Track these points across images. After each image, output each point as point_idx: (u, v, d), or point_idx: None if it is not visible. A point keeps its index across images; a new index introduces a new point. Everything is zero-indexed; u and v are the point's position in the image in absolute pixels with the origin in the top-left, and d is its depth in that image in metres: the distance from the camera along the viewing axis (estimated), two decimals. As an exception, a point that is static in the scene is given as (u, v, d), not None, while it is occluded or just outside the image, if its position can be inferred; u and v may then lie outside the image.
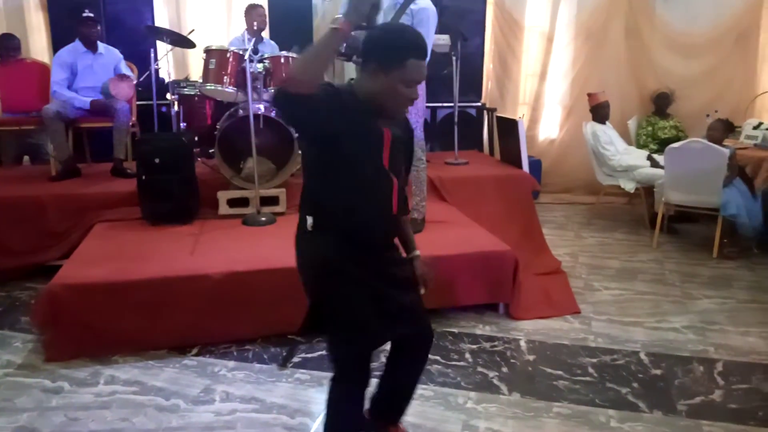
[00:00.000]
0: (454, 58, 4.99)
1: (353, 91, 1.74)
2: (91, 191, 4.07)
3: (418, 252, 2.01)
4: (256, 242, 3.50)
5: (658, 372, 2.81)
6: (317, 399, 2.55)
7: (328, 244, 1.77)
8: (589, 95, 5.34)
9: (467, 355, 2.94)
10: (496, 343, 3.07)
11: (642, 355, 2.97)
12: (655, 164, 4.93)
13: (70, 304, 2.85)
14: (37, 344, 2.98)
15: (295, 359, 2.88)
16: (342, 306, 1.80)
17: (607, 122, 5.29)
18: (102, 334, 2.89)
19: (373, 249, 1.83)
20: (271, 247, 3.35)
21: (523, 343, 3.07)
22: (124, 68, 4.73)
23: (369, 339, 1.83)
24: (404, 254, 2.00)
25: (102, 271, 3.01)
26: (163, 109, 5.26)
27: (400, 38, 1.69)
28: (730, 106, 5.77)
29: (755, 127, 5.17)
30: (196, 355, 2.94)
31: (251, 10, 4.98)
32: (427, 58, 3.36)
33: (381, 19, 3.81)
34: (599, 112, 5.25)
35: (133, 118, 4.76)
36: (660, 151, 5.32)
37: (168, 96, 5.00)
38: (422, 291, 1.98)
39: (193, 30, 4.84)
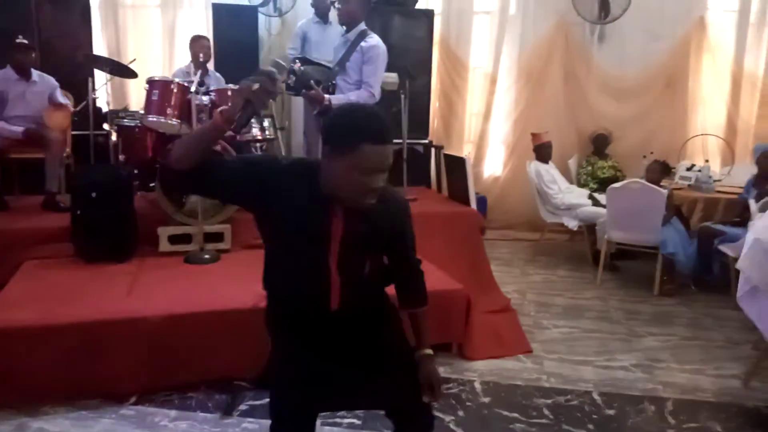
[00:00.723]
0: (402, 96, 5.01)
1: (316, 174, 1.58)
2: (19, 226, 3.81)
3: (428, 351, 1.78)
4: (199, 282, 3.34)
5: (611, 412, 2.82)
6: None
7: (271, 306, 1.76)
8: (533, 135, 5.48)
9: (422, 399, 2.86)
10: (450, 385, 3.01)
11: (595, 395, 2.97)
12: (596, 203, 5.08)
13: (-7, 351, 2.61)
14: (-46, 395, 2.70)
15: (242, 407, 2.73)
16: (273, 369, 1.75)
17: (549, 162, 5.43)
18: (29, 382, 2.66)
19: (314, 332, 1.69)
20: (215, 287, 3.21)
21: (477, 385, 3.03)
22: (61, 97, 4.51)
23: (284, 404, 1.73)
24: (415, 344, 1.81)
25: (29, 314, 2.78)
26: (100, 139, 5.03)
27: (352, 121, 1.50)
28: (662, 148, 6.03)
29: (688, 169, 5.42)
30: (134, 404, 2.74)
31: (195, 42, 4.87)
32: (375, 98, 3.31)
33: (332, 56, 3.80)
34: (542, 152, 5.38)
35: (68, 149, 4.53)
36: (600, 189, 5.51)
37: (105, 126, 4.79)
38: (425, 398, 1.74)
39: (134, 59, 4.70)
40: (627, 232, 4.58)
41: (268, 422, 2.53)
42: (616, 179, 5.54)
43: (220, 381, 2.89)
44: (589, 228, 5.18)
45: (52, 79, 4.52)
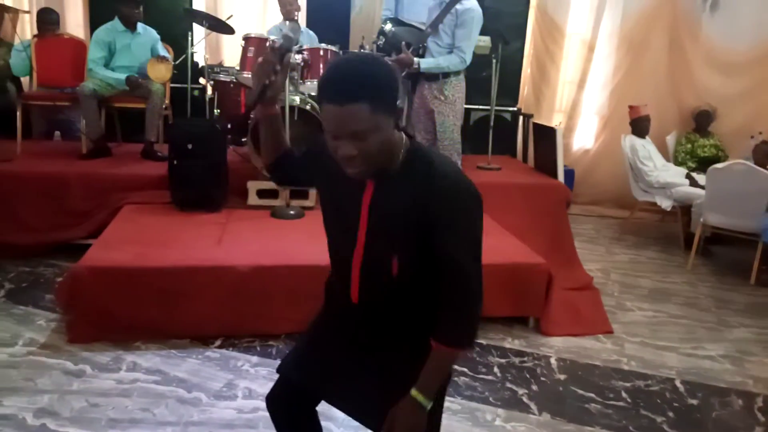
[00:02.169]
0: (494, 60, 4.88)
1: None
2: (120, 172, 4.04)
3: (416, 394, 1.34)
4: (283, 236, 3.44)
5: (694, 402, 2.71)
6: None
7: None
8: (631, 107, 5.21)
9: (496, 369, 2.85)
10: (525, 358, 2.98)
11: (677, 383, 2.86)
12: (694, 183, 4.80)
13: (94, 287, 2.81)
14: (61, 324, 2.94)
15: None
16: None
17: (646, 137, 5.16)
18: (125, 319, 2.85)
19: (337, 316, 1.56)
20: (298, 242, 3.29)
21: (553, 361, 2.98)
22: (162, 49, 4.69)
23: (284, 367, 1.61)
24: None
25: (127, 256, 2.96)
26: (196, 93, 5.22)
27: (323, 76, 1.26)
28: (772, 128, 5.59)
29: (800, 152, 4.99)
30: (219, 347, 2.88)
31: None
32: (466, 63, 3.22)
33: (426, 18, 3.73)
34: (639, 126, 5.11)
35: (167, 101, 4.72)
36: (698, 169, 5.19)
37: (202, 80, 4.95)
38: None
39: (231, 16, 4.79)
40: (726, 216, 4.31)
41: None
42: (717, 159, 5.19)
43: (299, 333, 2.98)
44: (684, 209, 4.90)
45: (154, 32, 4.70)
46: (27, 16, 5.57)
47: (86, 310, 2.82)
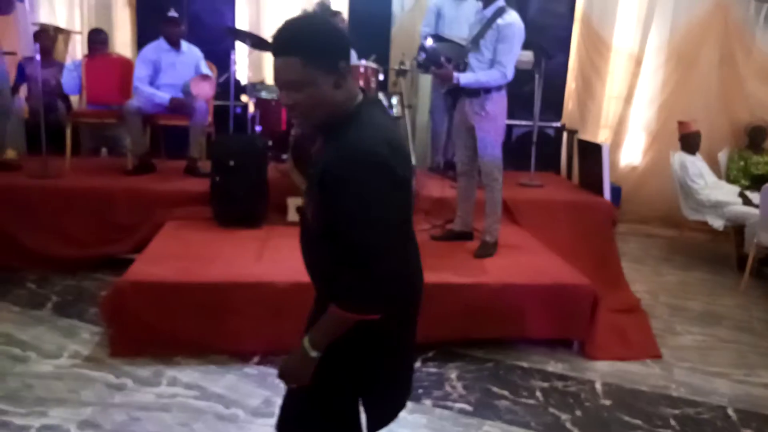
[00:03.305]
0: (536, 75, 4.81)
1: None
2: (163, 188, 4.11)
3: (303, 340, 1.40)
4: (323, 253, 3.42)
5: (748, 432, 2.57)
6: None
7: None
8: (680, 123, 5.06)
9: (538, 393, 2.77)
10: (568, 383, 2.88)
11: (729, 411, 2.73)
12: (747, 202, 4.61)
13: (137, 302, 2.85)
14: (104, 337, 2.99)
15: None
16: None
17: (696, 153, 4.99)
18: (166, 334, 2.88)
19: None
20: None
21: (598, 386, 2.87)
22: (205, 68, 4.78)
23: None
24: None
25: (169, 271, 3.00)
26: (238, 110, 5.30)
27: None
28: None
29: None
30: (258, 363, 2.88)
31: (331, 17, 4.95)
32: (506, 78, 3.14)
33: (467, 33, 3.70)
34: (689, 142, 4.95)
35: (210, 118, 4.81)
36: (752, 187, 4.99)
37: (244, 98, 5.02)
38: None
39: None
40: (782, 236, 4.12)
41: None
42: (772, 177, 4.99)
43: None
44: (737, 229, 4.71)
45: (198, 50, 4.80)
46: (78, 36, 5.78)
47: (129, 324, 2.86)
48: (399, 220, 1.40)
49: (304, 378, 1.42)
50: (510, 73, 3.41)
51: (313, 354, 1.38)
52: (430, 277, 3.02)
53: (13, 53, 5.21)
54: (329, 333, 1.38)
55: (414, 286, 1.59)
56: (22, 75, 5.13)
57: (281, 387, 2.62)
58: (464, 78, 3.40)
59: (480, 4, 3.59)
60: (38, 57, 4.23)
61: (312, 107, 1.34)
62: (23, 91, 5.21)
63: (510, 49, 3.40)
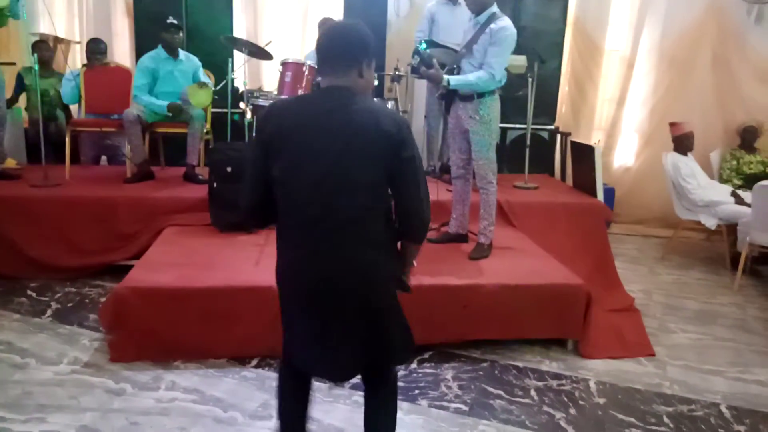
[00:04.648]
0: (530, 79, 4.86)
1: None
2: (162, 195, 4.16)
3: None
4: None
5: (741, 429, 2.60)
6: (375, 425, 2.47)
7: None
8: (672, 124, 5.10)
9: (533, 393, 2.80)
10: (563, 381, 2.92)
11: (723, 408, 2.75)
12: (739, 201, 4.65)
13: (136, 308, 2.88)
14: (103, 343, 3.02)
15: (354, 380, 2.81)
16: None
17: (689, 154, 5.03)
18: (165, 339, 2.91)
19: None
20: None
21: (592, 384, 2.91)
22: (203, 76, 4.84)
23: None
24: None
25: (168, 277, 3.04)
26: (236, 117, 5.35)
27: None
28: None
29: None
30: (256, 367, 2.91)
31: (323, 24, 5.01)
32: (495, 79, 3.24)
33: (461, 38, 3.75)
34: (682, 143, 4.99)
35: (208, 126, 4.85)
36: (744, 186, 5.04)
37: (241, 105, 5.07)
38: None
39: (270, 42, 4.91)
40: (774, 235, 4.16)
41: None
42: (764, 176, 5.03)
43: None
44: (730, 228, 4.75)
45: (196, 59, 4.86)
46: (77, 46, 5.83)
47: (128, 330, 2.90)
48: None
49: None
50: (498, 75, 3.44)
51: None
52: (426, 279, 3.11)
53: (12, 63, 5.27)
54: None
55: (285, 254, 1.83)
56: (21, 85, 5.18)
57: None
58: (453, 80, 3.44)
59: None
60: (37, 67, 4.28)
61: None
62: (22, 101, 5.26)
63: (500, 52, 3.44)
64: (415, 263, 1.92)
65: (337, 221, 1.69)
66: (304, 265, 1.76)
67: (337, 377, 2.08)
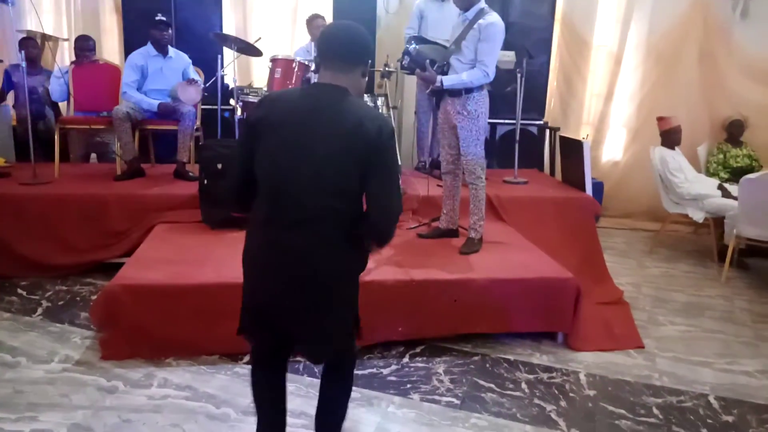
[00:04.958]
0: (518, 75, 4.89)
1: None
2: (153, 192, 4.14)
3: None
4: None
5: (729, 419, 2.64)
6: (366, 419, 2.49)
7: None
8: (660, 119, 5.14)
9: (523, 385, 2.83)
10: (554, 374, 2.95)
11: (711, 399, 2.79)
12: (726, 194, 4.70)
13: (127, 305, 2.88)
14: (95, 341, 3.02)
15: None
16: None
17: (676, 148, 5.08)
18: (157, 336, 2.91)
19: None
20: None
21: (582, 377, 2.94)
22: (192, 73, 4.83)
23: None
24: None
25: (159, 274, 3.04)
26: (226, 114, 5.34)
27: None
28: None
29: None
30: (248, 363, 2.91)
31: (311, 21, 5.01)
32: (489, 77, 3.33)
33: (449, 34, 3.76)
34: (670, 137, 5.04)
35: (198, 123, 4.84)
36: (731, 180, 5.09)
37: (231, 102, 5.07)
38: None
39: (259, 38, 4.90)
40: (760, 227, 4.20)
41: (368, 392, 2.64)
42: (751, 169, 5.09)
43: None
44: (717, 221, 4.80)
45: (185, 56, 4.84)
46: (66, 43, 5.80)
47: (120, 328, 2.90)
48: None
49: None
50: (491, 72, 3.47)
51: None
52: (417, 274, 3.13)
53: (-1, 61, 5.23)
54: None
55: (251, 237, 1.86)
56: (9, 82, 5.15)
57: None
58: (447, 80, 3.46)
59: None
60: (24, 64, 4.25)
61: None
62: (10, 98, 5.22)
63: (491, 49, 3.46)
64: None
65: (303, 216, 1.73)
66: (263, 252, 1.82)
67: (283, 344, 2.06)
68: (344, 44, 1.81)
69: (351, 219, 1.78)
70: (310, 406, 2.51)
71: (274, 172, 1.75)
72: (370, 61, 1.89)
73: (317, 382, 2.68)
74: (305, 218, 1.73)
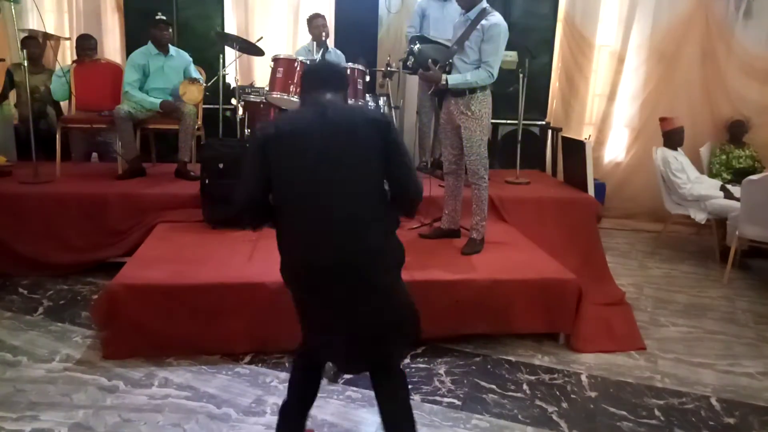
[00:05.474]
0: (521, 75, 4.88)
1: None
2: (154, 191, 4.14)
3: None
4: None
5: (731, 421, 2.63)
6: (368, 420, 2.48)
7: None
8: (663, 119, 5.13)
9: (525, 387, 2.82)
10: (555, 375, 2.94)
11: (713, 401, 2.78)
12: (729, 195, 4.69)
13: (128, 304, 2.87)
14: (96, 340, 3.02)
15: (347, 376, 2.82)
16: None
17: (679, 149, 5.07)
18: (158, 336, 2.90)
19: None
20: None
21: (584, 378, 2.93)
22: (194, 71, 4.82)
23: None
24: None
25: (161, 274, 3.03)
26: (228, 114, 5.34)
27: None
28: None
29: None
30: (249, 363, 2.92)
31: (312, 20, 5.01)
32: (493, 78, 3.40)
33: (451, 35, 3.75)
34: (672, 138, 5.03)
35: (199, 122, 4.84)
36: (734, 181, 5.08)
37: (233, 101, 5.06)
38: None
39: (261, 38, 4.90)
40: (763, 228, 4.19)
41: (370, 392, 2.63)
42: (753, 170, 5.08)
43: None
44: (719, 222, 4.80)
45: (186, 55, 4.84)
46: (67, 42, 5.80)
47: (121, 327, 2.89)
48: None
49: None
50: (496, 73, 3.47)
51: None
52: (419, 274, 3.12)
53: (1, 60, 5.23)
54: None
55: (293, 248, 1.92)
56: (10, 81, 5.14)
57: (272, 386, 2.69)
58: (452, 79, 3.45)
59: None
60: (26, 63, 4.25)
61: None
62: (12, 97, 5.22)
63: (495, 50, 3.45)
64: None
65: (342, 212, 1.85)
66: (314, 257, 1.86)
67: (348, 364, 2.13)
68: (333, 70, 2.14)
69: (384, 201, 1.96)
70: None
71: (301, 179, 1.86)
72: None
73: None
74: (346, 212, 1.85)
